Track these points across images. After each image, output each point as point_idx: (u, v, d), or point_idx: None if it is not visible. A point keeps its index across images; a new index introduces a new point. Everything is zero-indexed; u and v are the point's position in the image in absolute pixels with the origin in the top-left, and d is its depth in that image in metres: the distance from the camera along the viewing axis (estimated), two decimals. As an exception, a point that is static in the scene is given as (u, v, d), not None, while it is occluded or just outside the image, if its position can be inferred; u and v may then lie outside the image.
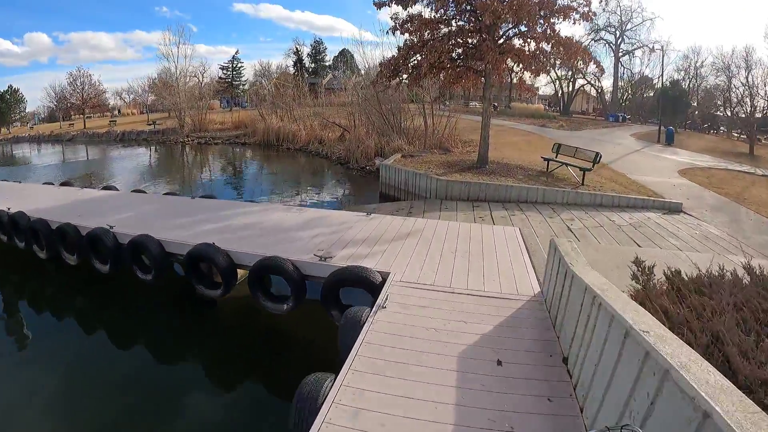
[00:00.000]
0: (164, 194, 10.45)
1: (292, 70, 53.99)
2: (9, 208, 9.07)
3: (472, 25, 11.98)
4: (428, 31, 12.14)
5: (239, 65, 65.01)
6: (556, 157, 12.95)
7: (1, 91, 70.82)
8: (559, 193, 10.53)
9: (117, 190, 11.51)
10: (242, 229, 7.16)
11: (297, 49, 65.83)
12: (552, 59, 12.05)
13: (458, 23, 12.27)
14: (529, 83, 14.48)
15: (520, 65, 12.25)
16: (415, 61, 12.69)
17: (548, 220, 8.82)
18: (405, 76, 13.26)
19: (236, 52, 69.28)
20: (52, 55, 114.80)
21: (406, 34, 12.40)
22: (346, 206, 11.23)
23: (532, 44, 11.79)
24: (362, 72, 24.45)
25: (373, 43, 65.96)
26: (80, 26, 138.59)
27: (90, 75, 59.50)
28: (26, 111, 72.50)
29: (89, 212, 8.44)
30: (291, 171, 20.84)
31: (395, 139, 18.00)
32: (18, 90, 71.91)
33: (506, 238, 6.65)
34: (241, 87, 63.80)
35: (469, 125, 20.17)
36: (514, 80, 13.50)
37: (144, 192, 11.14)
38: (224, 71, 64.26)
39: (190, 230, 7.01)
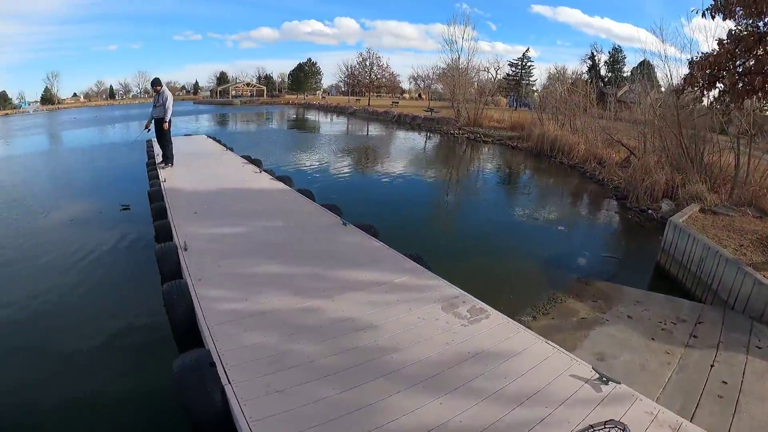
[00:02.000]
0: (323, 205, 8.46)
1: (586, 76, 50.04)
2: (165, 179, 9.52)
3: None
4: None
5: (528, 64, 63.54)
6: None
7: (302, 62, 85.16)
8: None
9: (288, 183, 10.41)
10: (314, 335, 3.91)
11: (593, 54, 61.09)
12: None
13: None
14: None
15: None
16: (741, 67, 8.40)
17: None
18: (722, 86, 8.93)
19: (526, 50, 67.67)
20: (359, 38, 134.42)
21: (730, 22, 8.29)
22: (587, 286, 7.54)
23: None
24: (662, 88, 19.88)
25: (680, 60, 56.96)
26: (385, 15, 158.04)
27: (378, 57, 66.30)
28: (322, 82, 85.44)
29: (216, 211, 7.62)
30: (548, 194, 17.35)
31: (694, 180, 13.47)
32: (315, 63, 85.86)
33: None
34: (528, 86, 62.26)
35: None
36: None
37: (308, 194, 9.38)
38: (513, 68, 63.42)
39: (252, 298, 4.52)
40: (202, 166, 12.11)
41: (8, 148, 36.52)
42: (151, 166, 12.43)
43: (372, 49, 68.33)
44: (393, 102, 54.35)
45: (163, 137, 11.81)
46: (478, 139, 30.76)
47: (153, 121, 11.93)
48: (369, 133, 35.56)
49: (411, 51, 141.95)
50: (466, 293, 4.86)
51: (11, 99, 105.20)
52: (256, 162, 12.66)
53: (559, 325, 6.08)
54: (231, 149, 15.75)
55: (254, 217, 7.40)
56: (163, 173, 10.68)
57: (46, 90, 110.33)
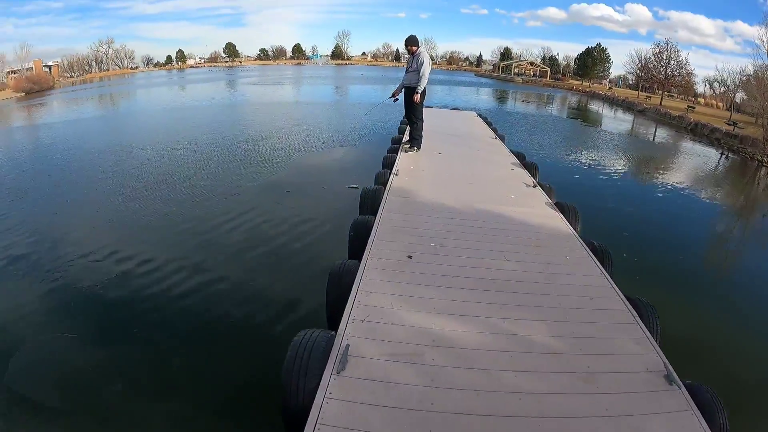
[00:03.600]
0: (631, 300, 4.10)
1: None
2: (398, 172, 7.38)
3: None
4: None
5: None
6: None
7: (590, 47, 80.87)
8: None
9: (572, 219, 6.42)
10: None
11: None
12: None
13: None
14: None
15: None
16: None
17: None
18: None
19: None
20: (651, 29, 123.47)
21: None
22: None
23: None
24: None
25: None
26: (681, 5, 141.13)
27: (678, 51, 58.87)
28: (610, 72, 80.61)
29: (441, 262, 4.48)
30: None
31: None
32: (606, 49, 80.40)
33: None
34: None
35: None
36: None
37: (603, 256, 5.19)
38: (830, 86, 51.71)
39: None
40: (457, 160, 9.07)
41: (296, 93, 41.41)
42: (394, 146, 10.05)
43: (671, 42, 61.51)
44: (689, 106, 47.92)
45: (413, 112, 9.28)
46: (785, 170, 25.94)
47: (403, 90, 9.47)
48: (656, 138, 32.62)
49: (705, 49, 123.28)
50: None
51: (305, 51, 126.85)
52: (530, 166, 8.92)
53: None
54: (502, 137, 12.40)
55: (494, 305, 3.77)
56: (401, 161, 8.21)
57: (337, 46, 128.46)
